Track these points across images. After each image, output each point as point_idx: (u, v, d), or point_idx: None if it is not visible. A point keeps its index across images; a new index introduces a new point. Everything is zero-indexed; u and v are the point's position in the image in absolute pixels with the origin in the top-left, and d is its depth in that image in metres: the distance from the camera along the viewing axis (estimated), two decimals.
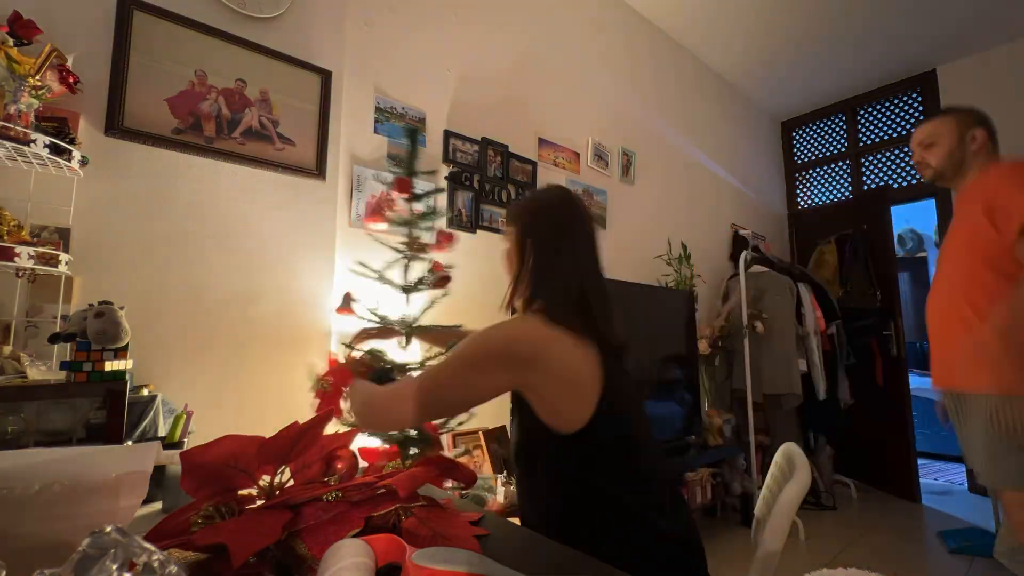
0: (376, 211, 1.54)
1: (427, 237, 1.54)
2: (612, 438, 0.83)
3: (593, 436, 0.81)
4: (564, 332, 0.84)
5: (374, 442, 1.42)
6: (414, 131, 1.58)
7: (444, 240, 1.58)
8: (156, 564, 0.32)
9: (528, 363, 0.81)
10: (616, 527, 0.81)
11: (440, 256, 1.57)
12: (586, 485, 0.82)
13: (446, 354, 0.86)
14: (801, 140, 4.51)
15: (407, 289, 1.49)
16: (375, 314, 1.46)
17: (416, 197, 1.53)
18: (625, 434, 0.86)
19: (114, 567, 0.30)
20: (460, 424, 1.58)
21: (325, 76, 1.72)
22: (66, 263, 1.16)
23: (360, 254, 1.72)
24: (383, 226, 1.57)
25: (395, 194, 1.52)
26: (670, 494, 0.88)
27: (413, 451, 1.38)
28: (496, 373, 0.83)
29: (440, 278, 1.51)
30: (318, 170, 1.68)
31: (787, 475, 1.01)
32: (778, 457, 1.12)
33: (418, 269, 1.56)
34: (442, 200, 2.02)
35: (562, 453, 0.83)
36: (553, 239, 0.93)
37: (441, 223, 1.64)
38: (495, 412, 2.02)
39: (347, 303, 1.49)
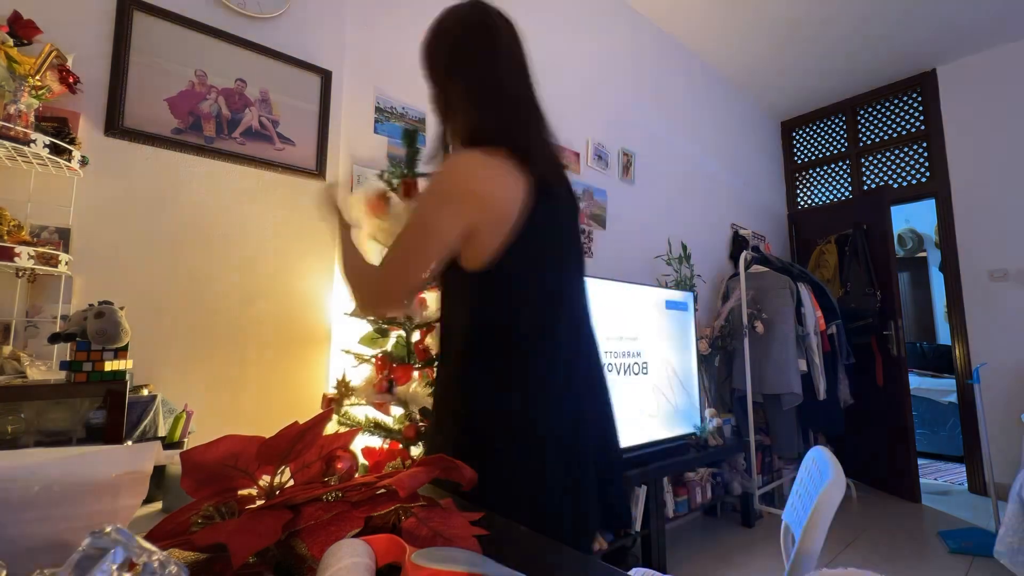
0: (375, 210, 1.53)
1: None
2: (521, 278, 0.80)
3: (500, 272, 0.78)
4: (495, 157, 0.79)
5: (375, 441, 1.43)
6: (413, 132, 1.58)
7: None
8: (156, 564, 0.32)
9: (477, 202, 0.77)
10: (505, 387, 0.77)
11: None
12: (486, 320, 0.80)
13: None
14: (801, 140, 4.51)
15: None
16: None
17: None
18: (534, 276, 0.81)
19: (114, 567, 0.30)
20: None
21: (325, 76, 1.72)
22: (66, 263, 1.16)
23: None
24: (385, 226, 1.56)
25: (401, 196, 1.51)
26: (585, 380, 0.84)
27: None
28: (448, 214, 0.77)
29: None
30: (318, 170, 1.68)
31: (816, 478, 1.01)
32: (807, 461, 1.12)
33: None
34: None
35: (467, 287, 0.81)
36: (467, 70, 0.86)
37: None
38: None
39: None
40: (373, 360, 1.47)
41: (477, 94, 0.86)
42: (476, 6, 0.90)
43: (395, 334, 1.52)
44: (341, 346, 1.60)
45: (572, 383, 0.82)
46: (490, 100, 0.86)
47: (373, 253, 1.26)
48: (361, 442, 1.42)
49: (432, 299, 1.54)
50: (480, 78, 0.87)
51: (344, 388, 1.41)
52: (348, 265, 0.92)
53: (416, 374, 1.46)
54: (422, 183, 1.56)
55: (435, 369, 0.95)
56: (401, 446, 1.38)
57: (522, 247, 0.78)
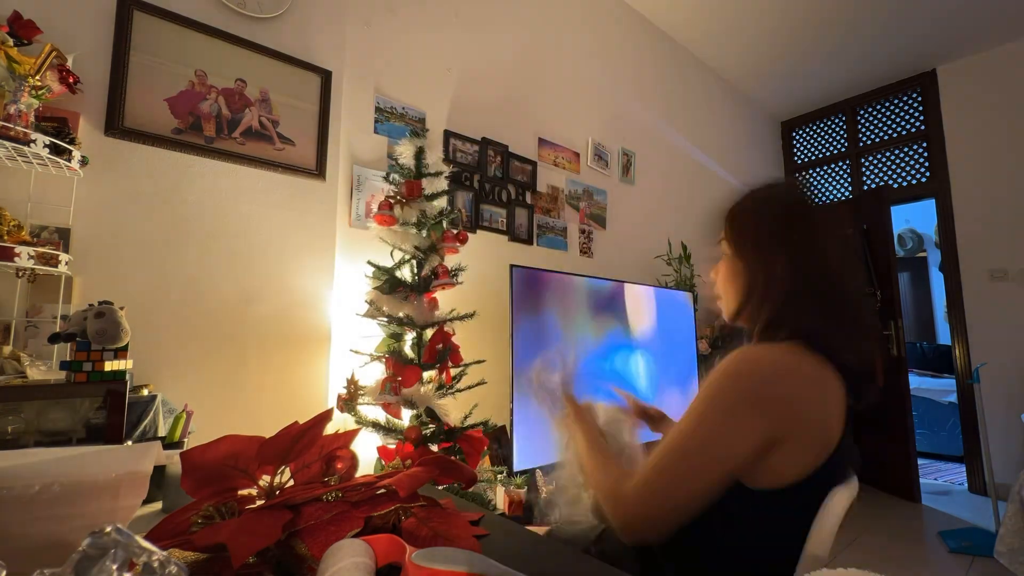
0: (385, 212, 1.51)
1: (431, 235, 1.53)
2: (820, 497, 0.68)
3: (805, 493, 0.66)
4: (825, 368, 0.68)
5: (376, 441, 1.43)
6: (420, 149, 1.56)
7: (460, 238, 1.56)
8: (156, 564, 0.32)
9: (786, 409, 0.64)
10: None
11: (452, 257, 1.56)
12: (768, 550, 0.68)
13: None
14: (801, 140, 4.51)
15: (419, 288, 1.49)
16: (384, 314, 1.46)
17: (429, 198, 1.52)
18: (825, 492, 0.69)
19: (114, 567, 0.30)
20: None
21: (325, 76, 1.72)
22: (66, 263, 1.16)
23: (360, 254, 1.72)
24: (394, 227, 1.54)
25: (404, 197, 1.50)
26: None
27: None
28: (746, 422, 0.64)
29: (443, 284, 1.51)
30: (318, 170, 1.68)
31: None
32: None
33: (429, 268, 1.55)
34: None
35: (757, 509, 0.67)
36: (803, 249, 0.73)
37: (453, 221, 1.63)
38: (496, 410, 2.02)
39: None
40: (383, 360, 1.47)
41: (805, 280, 0.72)
42: (798, 186, 0.81)
43: (410, 336, 1.50)
44: (342, 346, 1.59)
45: None
46: (819, 292, 0.72)
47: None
48: (377, 442, 1.42)
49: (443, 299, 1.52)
50: (814, 263, 0.73)
51: (353, 387, 1.40)
52: (595, 474, 0.76)
53: (425, 375, 1.45)
54: (427, 183, 1.55)
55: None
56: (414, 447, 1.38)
57: (833, 466, 0.68)
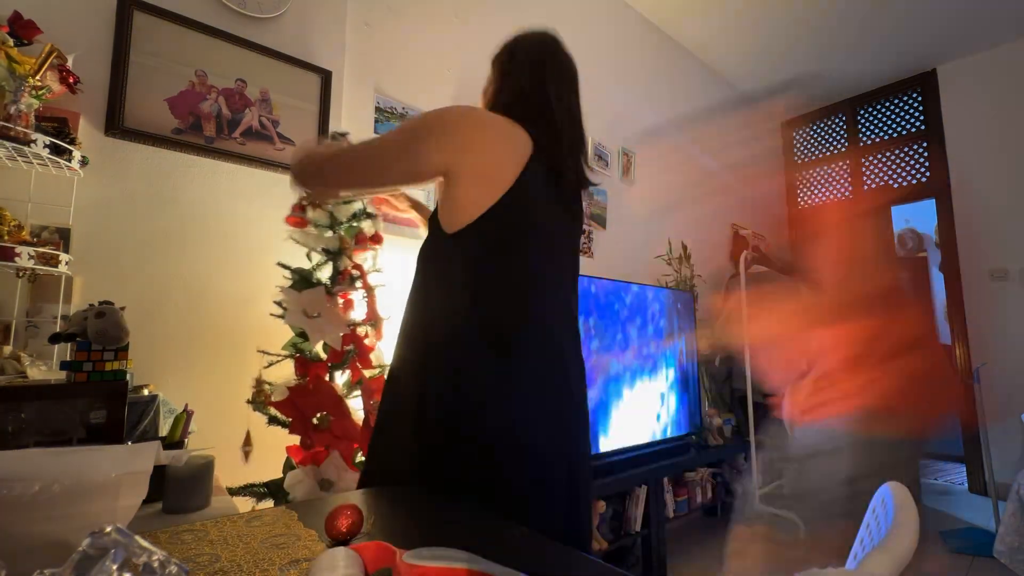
0: (297, 213, 1.43)
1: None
2: (501, 241, 0.75)
3: (480, 233, 0.74)
4: (512, 125, 0.81)
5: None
6: (338, 136, 1.49)
7: (363, 241, 1.48)
8: (156, 564, 0.32)
9: (457, 142, 0.77)
10: (478, 368, 0.71)
11: (364, 256, 1.47)
12: (464, 289, 0.74)
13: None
14: (801, 140, 4.50)
15: (330, 290, 1.43)
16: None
17: (347, 201, 1.44)
18: (521, 239, 0.77)
19: (114, 567, 0.30)
20: None
21: (325, 76, 1.72)
22: (66, 263, 1.16)
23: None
24: (309, 228, 1.43)
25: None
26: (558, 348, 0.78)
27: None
28: (423, 144, 0.78)
29: (342, 290, 1.42)
30: None
31: (882, 524, 0.70)
32: (875, 501, 0.79)
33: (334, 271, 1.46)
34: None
35: (446, 252, 0.77)
36: (523, 68, 0.99)
37: (367, 224, 1.54)
38: None
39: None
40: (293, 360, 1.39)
41: (516, 78, 0.98)
42: (548, 33, 1.07)
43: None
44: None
45: (556, 383, 0.76)
46: (522, 84, 0.96)
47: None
48: (287, 441, 1.34)
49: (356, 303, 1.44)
50: (529, 64, 1.00)
51: (259, 388, 1.34)
52: (317, 151, 0.94)
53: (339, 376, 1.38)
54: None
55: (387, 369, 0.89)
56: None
57: (512, 219, 0.76)
